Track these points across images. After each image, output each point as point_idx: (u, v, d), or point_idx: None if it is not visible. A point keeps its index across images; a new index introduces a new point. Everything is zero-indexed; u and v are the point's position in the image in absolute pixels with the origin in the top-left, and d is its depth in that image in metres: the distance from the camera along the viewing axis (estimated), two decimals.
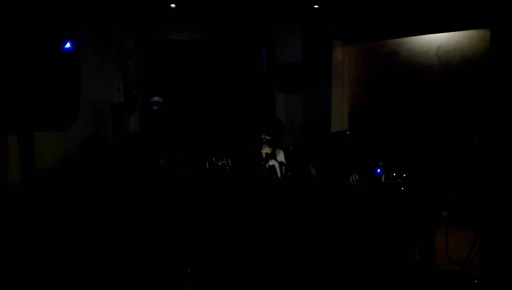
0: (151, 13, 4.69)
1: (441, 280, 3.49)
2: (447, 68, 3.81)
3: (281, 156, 3.42)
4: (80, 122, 3.75)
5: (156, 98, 3.44)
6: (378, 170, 3.07)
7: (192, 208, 3.72)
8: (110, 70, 4.53)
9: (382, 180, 3.03)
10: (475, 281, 3.43)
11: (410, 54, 4.07)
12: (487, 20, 3.44)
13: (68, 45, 2.75)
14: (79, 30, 3.04)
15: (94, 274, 3.27)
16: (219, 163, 3.34)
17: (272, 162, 3.40)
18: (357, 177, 3.18)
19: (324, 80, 4.53)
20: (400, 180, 2.98)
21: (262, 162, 3.26)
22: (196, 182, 3.62)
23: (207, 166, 3.35)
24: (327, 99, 4.51)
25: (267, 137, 3.29)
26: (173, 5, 4.44)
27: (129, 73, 4.85)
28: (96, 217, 3.58)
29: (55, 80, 2.72)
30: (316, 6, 4.31)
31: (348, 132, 3.55)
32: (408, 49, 4.08)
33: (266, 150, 3.27)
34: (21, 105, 2.62)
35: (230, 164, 3.35)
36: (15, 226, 2.82)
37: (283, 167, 3.37)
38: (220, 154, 3.42)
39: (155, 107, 3.35)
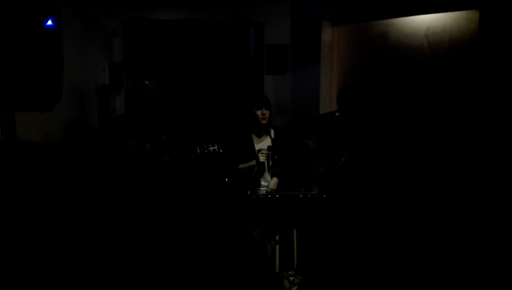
0: None
1: None
2: (436, 49, 3.80)
3: (272, 135, 3.41)
4: (64, 103, 3.64)
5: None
6: None
7: (181, 194, 3.68)
8: (94, 51, 4.42)
9: None
10: None
11: (399, 35, 4.04)
12: (476, 1, 3.43)
13: (49, 22, 2.65)
14: (60, 9, 2.93)
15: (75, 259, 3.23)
16: (210, 148, 3.31)
17: (267, 142, 3.37)
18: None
19: (313, 61, 4.48)
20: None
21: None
22: (187, 167, 3.59)
23: (198, 151, 3.31)
24: (316, 81, 4.48)
25: (266, 112, 3.29)
26: None
27: (114, 53, 4.74)
28: (79, 203, 3.52)
29: (37, 59, 2.63)
30: None
31: (337, 114, 3.54)
32: (397, 30, 4.06)
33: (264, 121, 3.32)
34: (1, 84, 2.53)
35: (221, 150, 3.32)
36: None
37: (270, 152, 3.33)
38: (210, 139, 3.38)
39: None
